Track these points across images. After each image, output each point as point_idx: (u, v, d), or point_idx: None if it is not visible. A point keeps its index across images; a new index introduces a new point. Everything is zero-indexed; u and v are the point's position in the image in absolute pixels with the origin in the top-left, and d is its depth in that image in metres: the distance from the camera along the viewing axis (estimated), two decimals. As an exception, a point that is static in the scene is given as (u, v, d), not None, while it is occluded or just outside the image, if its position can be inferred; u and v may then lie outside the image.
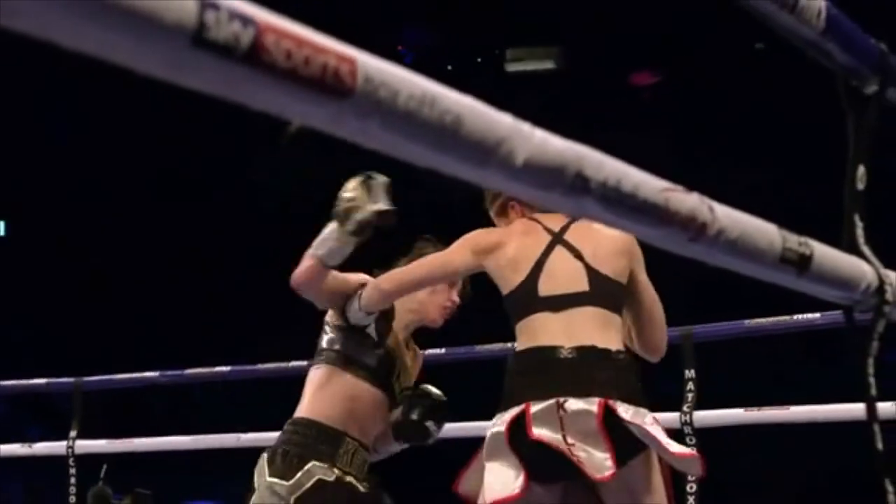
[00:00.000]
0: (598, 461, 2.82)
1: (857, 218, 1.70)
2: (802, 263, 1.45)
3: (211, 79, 0.81)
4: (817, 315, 4.47)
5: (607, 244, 3.12)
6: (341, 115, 0.89)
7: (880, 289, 1.64)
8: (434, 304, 3.46)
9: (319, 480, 3.20)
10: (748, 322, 4.58)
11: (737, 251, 1.33)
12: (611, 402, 2.88)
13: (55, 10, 0.71)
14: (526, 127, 1.04)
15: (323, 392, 3.36)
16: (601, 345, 3.00)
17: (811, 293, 1.56)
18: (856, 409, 4.58)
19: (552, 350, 3.00)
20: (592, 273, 3.09)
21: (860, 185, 1.72)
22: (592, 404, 2.87)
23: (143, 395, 11.39)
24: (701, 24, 13.12)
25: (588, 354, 2.99)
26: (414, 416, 3.40)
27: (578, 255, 3.12)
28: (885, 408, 4.38)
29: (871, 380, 1.64)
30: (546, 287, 3.08)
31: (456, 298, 3.47)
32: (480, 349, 5.13)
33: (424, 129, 0.94)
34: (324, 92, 0.86)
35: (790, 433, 6.16)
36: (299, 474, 3.21)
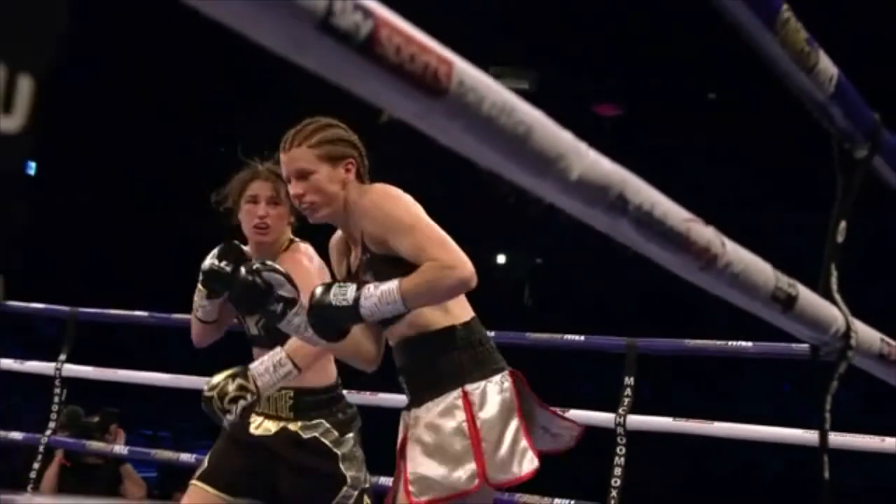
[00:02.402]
0: None
1: (833, 267, 1.71)
2: (788, 303, 1.45)
3: (327, 62, 0.80)
4: (749, 344, 4.50)
5: None
6: (431, 113, 0.87)
7: (846, 334, 1.65)
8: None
9: None
10: (688, 342, 4.61)
11: (737, 284, 1.33)
12: None
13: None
14: (583, 146, 1.03)
15: None
16: None
17: (787, 329, 1.56)
18: (767, 432, 4.64)
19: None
20: None
21: (840, 238, 1.72)
22: None
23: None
24: (661, 70, 13.24)
25: None
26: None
27: None
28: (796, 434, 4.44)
29: (827, 415, 1.64)
30: None
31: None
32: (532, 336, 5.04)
33: (499, 136, 0.92)
34: (421, 89, 0.84)
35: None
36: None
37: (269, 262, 2.79)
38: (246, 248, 3.32)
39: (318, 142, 2.70)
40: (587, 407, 4.81)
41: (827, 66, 1.55)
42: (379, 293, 2.45)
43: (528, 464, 2.64)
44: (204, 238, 3.49)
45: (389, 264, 2.61)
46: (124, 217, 13.89)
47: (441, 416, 2.63)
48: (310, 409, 3.27)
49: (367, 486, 3.30)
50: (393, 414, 3.11)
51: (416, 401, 2.70)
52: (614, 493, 4.49)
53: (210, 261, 3.16)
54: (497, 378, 2.68)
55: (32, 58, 0.56)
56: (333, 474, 3.22)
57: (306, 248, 3.30)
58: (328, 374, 3.33)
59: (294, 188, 2.72)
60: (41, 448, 5.44)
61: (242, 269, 2.74)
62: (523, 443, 2.63)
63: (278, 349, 2.98)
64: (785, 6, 1.38)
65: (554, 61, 13.53)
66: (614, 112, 15.40)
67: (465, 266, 2.52)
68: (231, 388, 2.90)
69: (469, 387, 2.64)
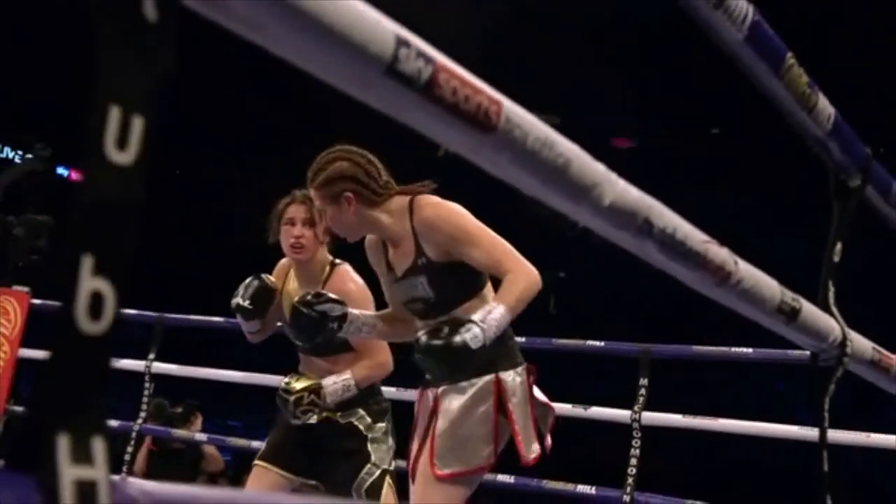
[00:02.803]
0: None
1: (830, 283, 1.68)
2: (792, 314, 1.43)
3: (391, 102, 0.79)
4: (750, 350, 4.46)
5: None
6: (481, 147, 0.87)
7: (843, 343, 1.62)
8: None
9: None
10: (695, 347, 4.58)
11: (747, 298, 1.31)
12: None
13: (286, 30, 0.69)
14: (613, 176, 1.02)
15: None
16: None
17: (791, 339, 1.54)
18: (768, 428, 4.58)
19: None
20: None
21: (836, 258, 1.70)
22: None
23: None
24: (669, 108, 13.24)
25: None
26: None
27: None
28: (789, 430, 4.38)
29: (826, 414, 1.62)
30: None
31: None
32: (557, 342, 5.01)
33: (542, 167, 0.92)
34: (474, 126, 0.83)
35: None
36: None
37: (319, 293, 2.86)
38: (284, 261, 3.45)
39: (320, 184, 2.68)
40: (602, 404, 4.79)
41: (825, 105, 1.53)
42: (498, 317, 2.42)
43: (537, 447, 2.63)
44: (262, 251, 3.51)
45: (446, 270, 2.61)
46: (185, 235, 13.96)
47: (474, 398, 2.59)
48: (349, 402, 3.28)
49: (391, 469, 3.30)
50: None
51: (448, 381, 2.62)
52: (630, 479, 4.45)
53: (235, 300, 3.34)
54: (520, 370, 2.65)
55: (143, 101, 0.56)
56: (360, 451, 3.26)
57: (347, 271, 3.36)
58: None
59: (324, 221, 2.82)
60: (133, 435, 5.46)
61: (300, 308, 2.79)
62: (531, 429, 2.63)
63: (348, 375, 3.21)
64: (790, 54, 1.37)
65: (577, 100, 13.54)
66: (629, 144, 15.46)
67: (536, 272, 2.54)
68: (306, 400, 3.15)
69: (502, 374, 2.60)
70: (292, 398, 3.14)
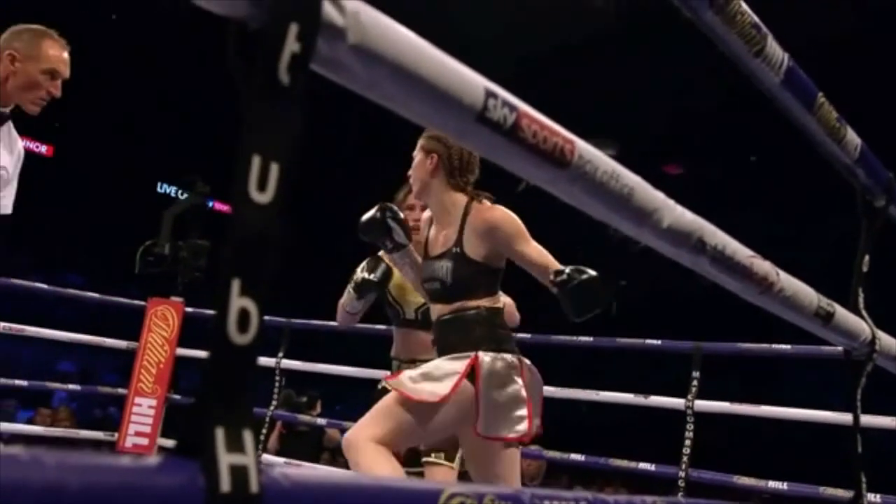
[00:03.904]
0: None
1: (860, 290, 1.63)
2: (827, 318, 1.39)
3: (482, 144, 0.79)
4: (788, 346, 4.33)
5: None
6: (558, 180, 0.86)
7: (872, 342, 1.57)
8: None
9: None
10: (741, 345, 4.47)
11: (788, 304, 1.27)
12: None
13: (397, 88, 0.69)
14: (671, 202, 1.00)
15: None
16: None
17: (827, 338, 1.49)
18: (801, 413, 4.45)
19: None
20: None
21: (864, 268, 1.65)
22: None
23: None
24: (715, 134, 13.04)
25: None
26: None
27: None
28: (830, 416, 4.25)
29: (858, 402, 1.56)
30: None
31: None
32: (620, 340, 4.86)
33: (610, 196, 0.91)
34: (551, 162, 0.83)
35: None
36: None
37: (399, 215, 2.76)
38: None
39: (428, 135, 2.66)
40: (659, 393, 4.71)
41: (853, 137, 1.48)
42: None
43: (521, 426, 2.46)
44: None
45: (472, 266, 2.56)
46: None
47: (452, 363, 2.47)
48: None
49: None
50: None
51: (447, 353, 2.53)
52: (685, 458, 4.36)
53: (360, 273, 3.15)
54: (508, 357, 2.50)
55: (280, 150, 0.57)
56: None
57: None
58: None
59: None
60: (266, 420, 5.53)
61: (380, 211, 2.72)
62: (520, 412, 2.46)
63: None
64: (820, 94, 1.33)
65: (631, 132, 13.44)
66: (678, 171, 15.24)
67: None
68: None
69: (482, 354, 2.47)
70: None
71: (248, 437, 0.54)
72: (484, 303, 2.56)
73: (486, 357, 2.48)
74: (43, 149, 15.84)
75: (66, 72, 2.84)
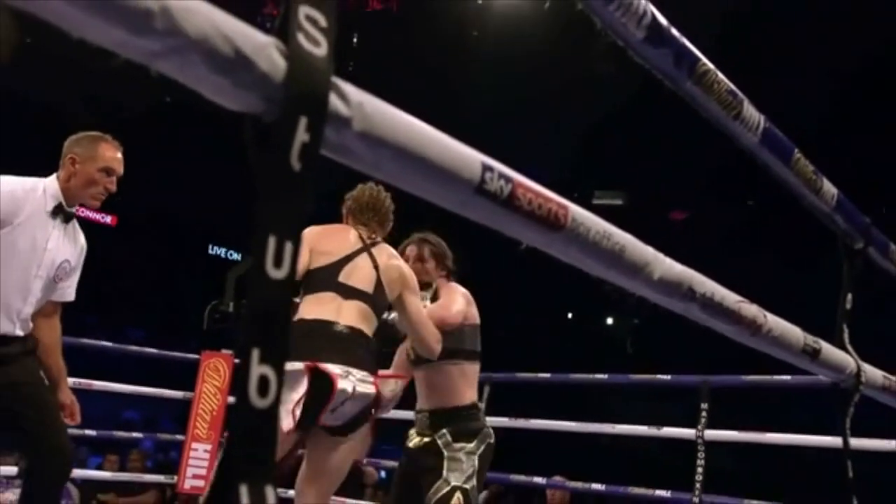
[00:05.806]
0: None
1: (844, 326, 1.61)
2: (814, 354, 1.37)
3: (482, 214, 0.79)
4: (789, 377, 4.26)
5: (391, 270, 2.79)
6: (553, 242, 0.86)
7: (857, 374, 1.54)
8: None
9: None
10: (745, 377, 4.41)
11: (777, 344, 1.26)
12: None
13: (399, 167, 0.70)
14: (660, 255, 1.00)
15: None
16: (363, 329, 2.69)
17: (815, 372, 1.47)
18: (808, 439, 4.36)
19: (332, 324, 2.63)
20: (378, 283, 2.76)
21: (848, 306, 1.63)
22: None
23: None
24: (715, 186, 13.00)
25: (353, 332, 2.64)
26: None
27: (376, 267, 2.78)
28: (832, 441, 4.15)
29: (848, 429, 1.53)
30: (344, 276, 2.73)
31: None
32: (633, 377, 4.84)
33: (603, 254, 0.90)
34: (546, 227, 0.83)
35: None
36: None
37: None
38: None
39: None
40: (671, 424, 4.63)
41: (829, 187, 1.48)
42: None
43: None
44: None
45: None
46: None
47: None
48: (439, 424, 2.96)
49: (466, 487, 2.85)
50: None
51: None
52: (698, 484, 4.28)
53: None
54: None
55: (293, 230, 0.57)
56: (435, 468, 2.88)
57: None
58: (459, 396, 2.99)
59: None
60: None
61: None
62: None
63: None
64: (797, 150, 1.33)
65: (640, 183, 13.43)
66: (683, 216, 15.23)
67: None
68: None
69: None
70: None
71: (269, 492, 0.54)
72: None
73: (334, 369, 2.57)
74: (108, 219, 16.08)
75: (119, 169, 2.93)
